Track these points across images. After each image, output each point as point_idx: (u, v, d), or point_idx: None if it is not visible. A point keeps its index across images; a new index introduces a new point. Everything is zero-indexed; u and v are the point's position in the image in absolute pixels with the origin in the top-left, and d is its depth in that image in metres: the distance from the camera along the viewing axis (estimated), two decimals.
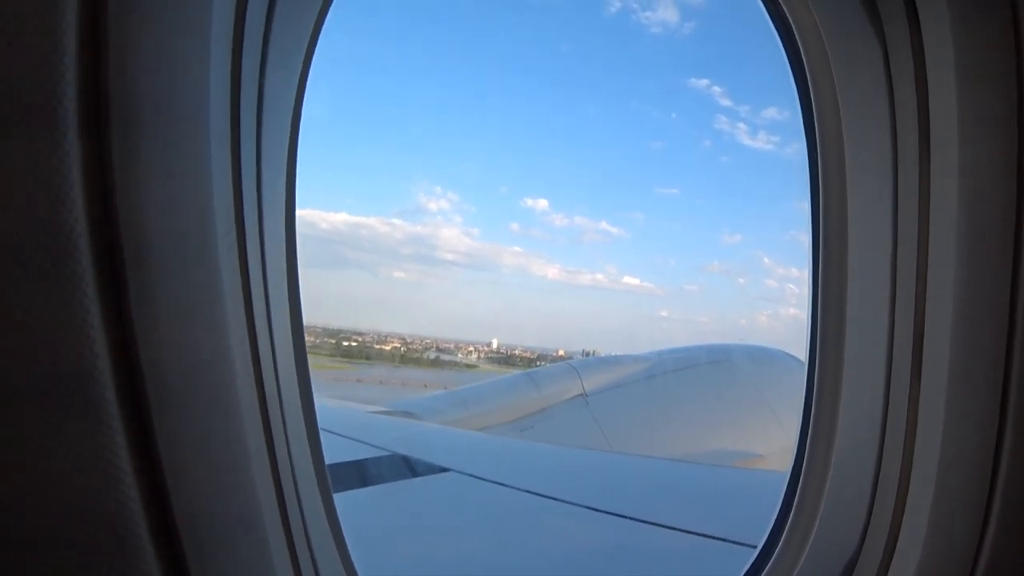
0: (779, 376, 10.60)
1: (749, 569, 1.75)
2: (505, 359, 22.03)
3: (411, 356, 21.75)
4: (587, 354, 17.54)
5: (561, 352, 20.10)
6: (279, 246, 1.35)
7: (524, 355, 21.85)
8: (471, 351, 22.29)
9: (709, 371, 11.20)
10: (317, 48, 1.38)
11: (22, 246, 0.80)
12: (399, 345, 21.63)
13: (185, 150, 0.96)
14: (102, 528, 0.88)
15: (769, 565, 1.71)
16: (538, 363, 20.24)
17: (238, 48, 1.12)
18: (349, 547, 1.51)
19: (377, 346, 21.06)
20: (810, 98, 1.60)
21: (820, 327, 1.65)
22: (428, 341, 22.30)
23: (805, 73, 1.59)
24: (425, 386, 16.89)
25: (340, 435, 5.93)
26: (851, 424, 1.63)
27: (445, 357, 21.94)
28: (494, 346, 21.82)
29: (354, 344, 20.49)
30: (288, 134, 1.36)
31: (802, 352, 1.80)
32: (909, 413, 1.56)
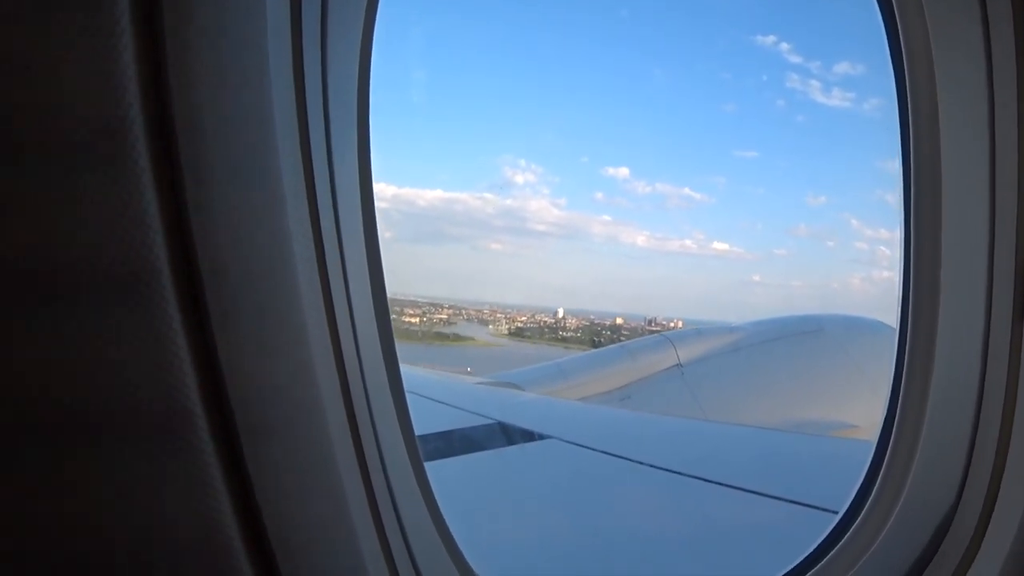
0: (874, 346, 10.17)
1: (830, 534, 1.72)
2: (521, 331, 20.12)
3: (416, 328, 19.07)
4: (649, 322, 17.01)
5: (619, 321, 18.76)
6: (358, 241, 1.29)
7: (571, 324, 19.91)
8: (516, 320, 20.23)
9: (803, 341, 10.88)
10: (379, 25, 1.30)
11: (101, 275, 0.76)
12: (445, 315, 19.55)
13: (253, 159, 0.91)
14: (203, 564, 0.85)
15: (852, 530, 1.68)
16: (575, 333, 19.00)
17: (297, 38, 1.06)
18: (463, 551, 1.47)
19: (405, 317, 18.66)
20: (898, 33, 1.53)
21: (914, 270, 1.57)
22: (485, 310, 20.50)
23: (893, 8, 1.52)
24: None
25: (449, 405, 6.28)
26: (946, 381, 1.55)
27: (448, 330, 19.62)
28: (559, 315, 19.97)
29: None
30: (356, 124, 1.30)
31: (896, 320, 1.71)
32: (1011, 363, 1.48)
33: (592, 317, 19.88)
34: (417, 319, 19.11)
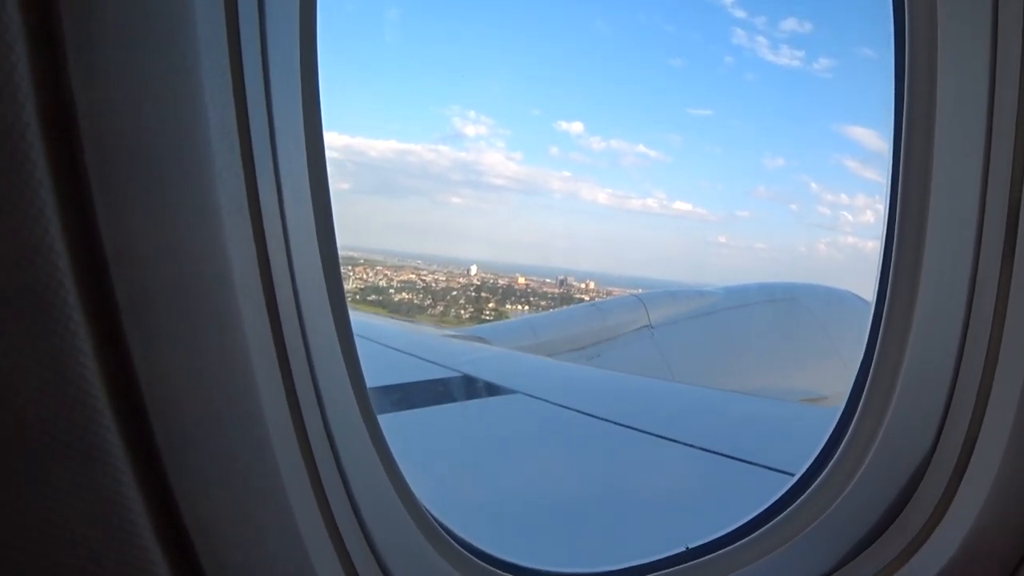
0: (847, 318, 10.36)
1: (786, 493, 1.70)
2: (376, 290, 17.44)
3: None
4: (561, 282, 16.51)
5: (521, 280, 17.10)
6: (304, 201, 1.16)
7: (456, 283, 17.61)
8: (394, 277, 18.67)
9: (776, 309, 10.99)
10: None
11: None
12: None
13: (171, 122, 0.78)
14: (108, 561, 0.77)
15: (808, 492, 1.66)
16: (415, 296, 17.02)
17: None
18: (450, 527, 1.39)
19: None
20: None
21: (900, 203, 1.48)
22: (379, 266, 18.11)
23: None
24: None
25: (415, 356, 6.30)
26: (924, 334, 1.50)
27: None
28: (472, 272, 17.77)
29: None
30: (300, 89, 1.14)
31: (867, 291, 1.69)
32: (995, 318, 1.40)
33: (515, 276, 18.54)
34: None
